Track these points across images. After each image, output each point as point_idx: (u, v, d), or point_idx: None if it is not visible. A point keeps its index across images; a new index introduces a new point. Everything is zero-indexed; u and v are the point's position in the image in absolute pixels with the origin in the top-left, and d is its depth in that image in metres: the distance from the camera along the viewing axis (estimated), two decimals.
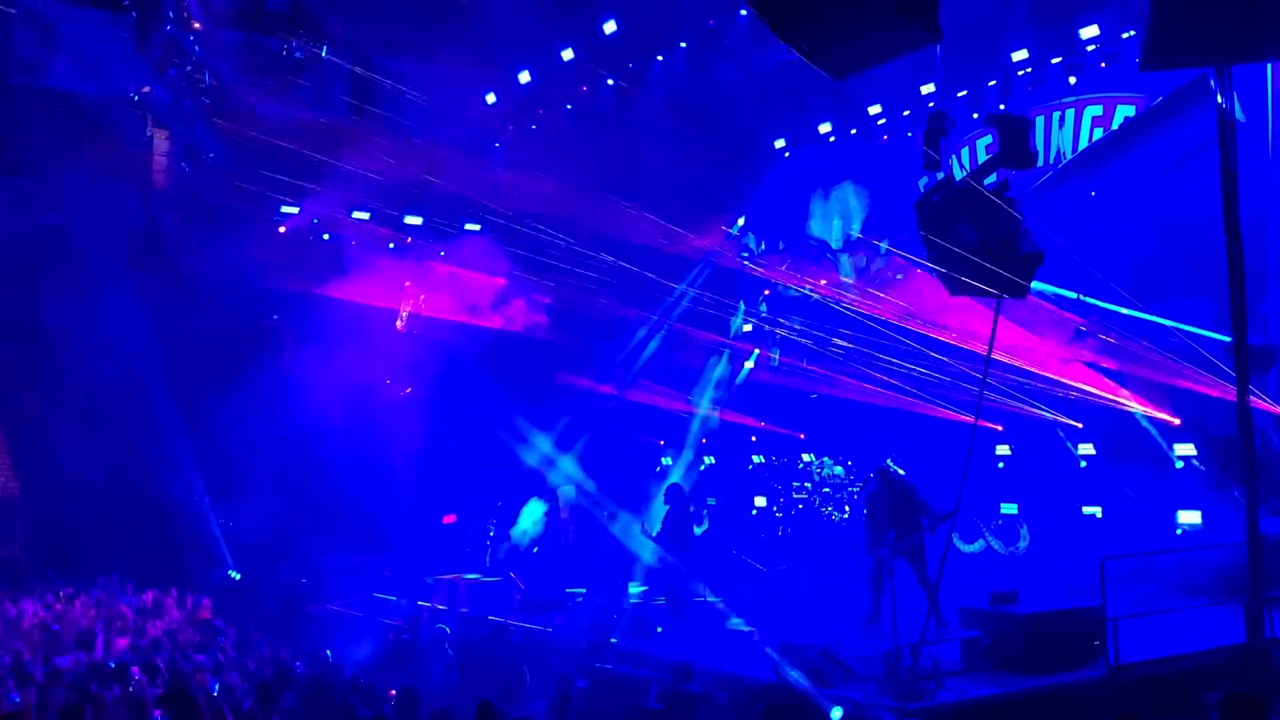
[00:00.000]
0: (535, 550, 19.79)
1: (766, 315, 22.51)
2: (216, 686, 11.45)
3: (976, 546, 18.30)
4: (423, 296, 20.62)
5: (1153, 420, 16.43)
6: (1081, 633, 10.85)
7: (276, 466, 19.57)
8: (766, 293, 22.99)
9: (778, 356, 22.29)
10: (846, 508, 20.74)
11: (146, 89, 20.19)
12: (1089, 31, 17.46)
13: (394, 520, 18.27)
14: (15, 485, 20.80)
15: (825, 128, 21.99)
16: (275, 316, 21.54)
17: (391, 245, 20.04)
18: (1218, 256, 10.24)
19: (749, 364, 22.68)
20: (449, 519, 21.16)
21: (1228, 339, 12.43)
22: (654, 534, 15.62)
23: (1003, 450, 18.64)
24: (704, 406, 22.80)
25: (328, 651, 14.23)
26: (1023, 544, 17.86)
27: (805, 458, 22.14)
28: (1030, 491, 17.94)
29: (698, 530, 23.47)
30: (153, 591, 18.00)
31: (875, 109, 21.03)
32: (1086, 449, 17.64)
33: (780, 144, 23.06)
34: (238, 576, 20.41)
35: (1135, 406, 16.42)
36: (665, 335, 22.91)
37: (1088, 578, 11.16)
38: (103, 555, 19.62)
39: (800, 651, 11.04)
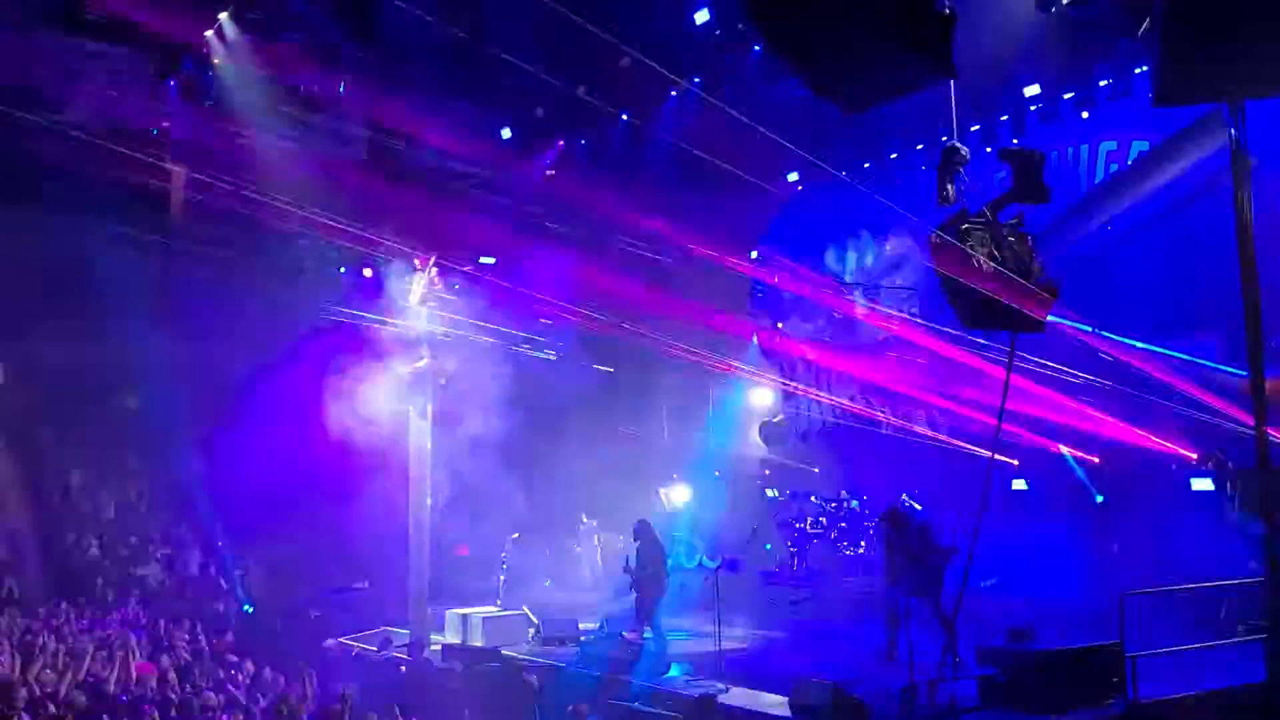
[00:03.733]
0: (548, 584, 19.74)
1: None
2: None
3: (992, 582, 18.17)
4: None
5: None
6: (1100, 669, 10.75)
7: (289, 497, 19.58)
8: (780, 325, 23.02)
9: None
10: (862, 543, 20.63)
11: (166, 124, 20.37)
12: (1101, 68, 17.55)
13: (403, 551, 18.22)
14: (28, 516, 20.83)
15: (837, 165, 22.06)
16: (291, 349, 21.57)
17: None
18: (1232, 290, 10.21)
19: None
20: (462, 550, 21.12)
21: (1241, 373, 12.37)
22: (632, 570, 15.60)
23: (1019, 485, 18.55)
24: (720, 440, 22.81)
25: (340, 686, 14.17)
26: (1039, 579, 17.73)
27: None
28: (1048, 526, 17.83)
29: (710, 564, 23.39)
30: (164, 623, 17.98)
31: (889, 144, 21.11)
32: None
33: (794, 178, 23.13)
34: (251, 609, 20.37)
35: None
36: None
37: (1106, 613, 11.08)
38: (114, 587, 19.62)
39: (814, 688, 10.97)
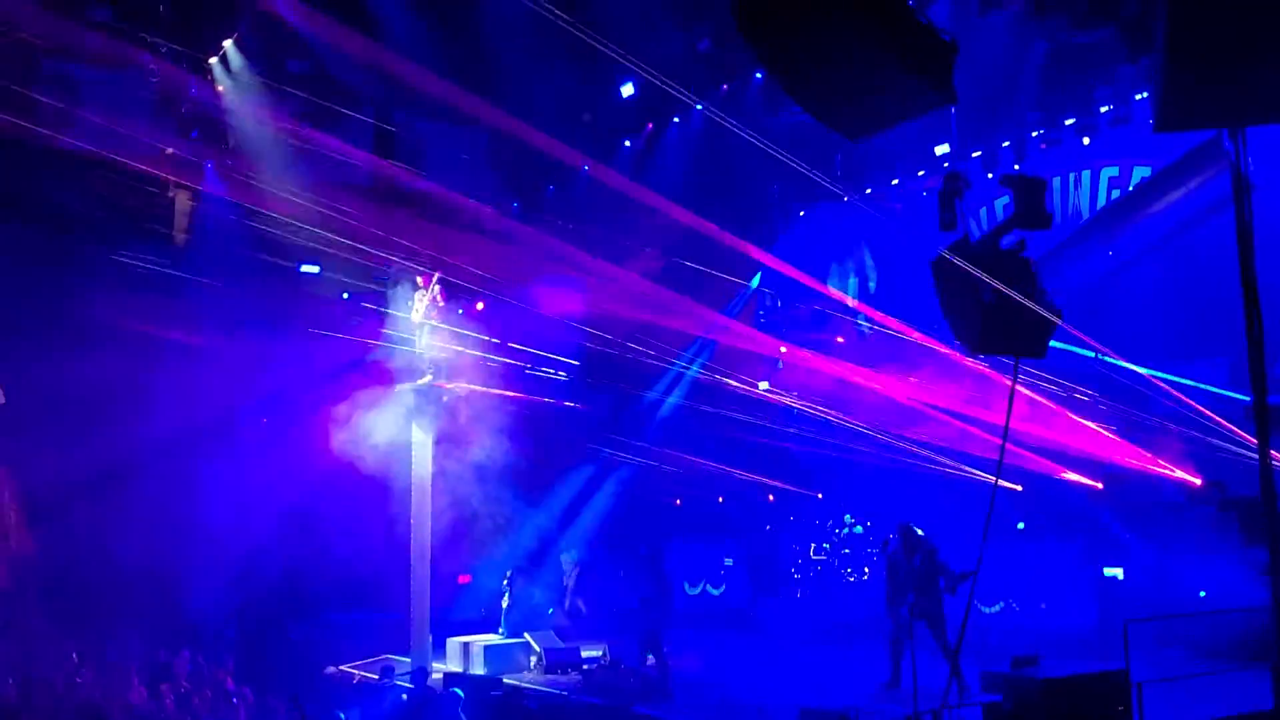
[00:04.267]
0: (550, 612, 19.64)
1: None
2: None
3: (997, 608, 18.11)
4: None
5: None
6: (1105, 697, 10.68)
7: (288, 523, 19.50)
8: (783, 349, 22.98)
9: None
10: (866, 568, 20.57)
11: (170, 149, 20.43)
12: (1102, 94, 17.61)
13: (404, 579, 18.15)
14: (30, 546, 20.77)
15: (841, 188, 22.13)
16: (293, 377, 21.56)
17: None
18: (1235, 316, 10.20)
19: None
20: (464, 579, 21.04)
21: (1245, 398, 12.35)
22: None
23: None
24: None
25: (340, 715, 14.09)
26: (1044, 605, 17.67)
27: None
28: (1051, 552, 17.78)
29: (714, 591, 23.37)
30: (163, 649, 17.92)
31: (890, 170, 21.18)
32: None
33: (796, 203, 23.19)
34: (254, 639, 20.29)
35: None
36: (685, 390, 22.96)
37: (1110, 639, 11.02)
38: (116, 617, 19.54)
39: (819, 717, 10.91)
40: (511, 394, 19.31)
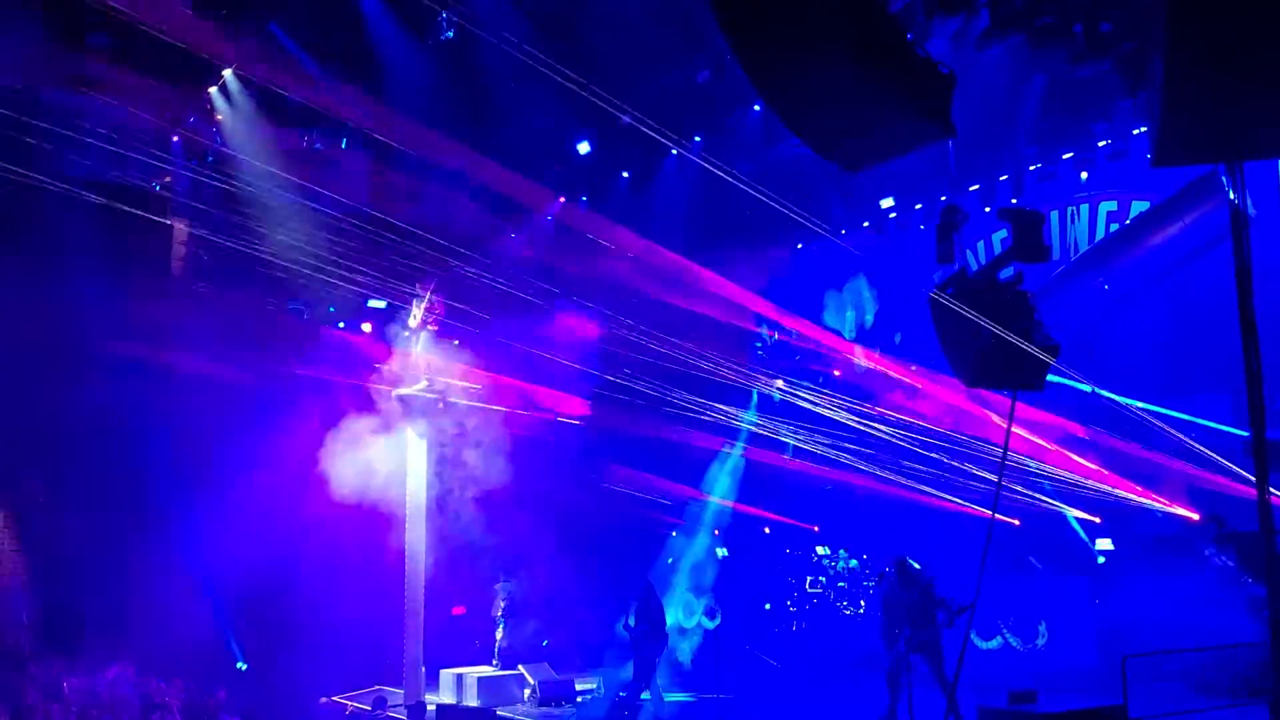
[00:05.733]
0: (546, 644, 19.53)
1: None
2: None
3: (994, 643, 18.02)
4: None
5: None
6: None
7: (282, 552, 19.39)
8: (779, 384, 22.93)
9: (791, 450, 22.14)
10: (862, 602, 20.47)
11: (168, 179, 20.46)
12: (1100, 128, 17.69)
13: (398, 608, 18.04)
14: (21, 570, 20.66)
15: (839, 221, 22.21)
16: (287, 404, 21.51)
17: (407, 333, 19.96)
18: (1236, 350, 10.19)
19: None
20: (458, 610, 20.90)
21: (1245, 433, 12.33)
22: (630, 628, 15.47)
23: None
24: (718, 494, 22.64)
25: None
26: (1041, 640, 17.59)
27: (821, 550, 21.94)
28: (1048, 587, 17.72)
29: (709, 624, 23.21)
30: (155, 679, 17.78)
31: (888, 203, 21.23)
32: (1104, 544, 17.50)
33: (793, 236, 23.21)
34: (244, 667, 20.15)
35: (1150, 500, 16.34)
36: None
37: (1108, 675, 10.96)
38: (106, 643, 19.41)
39: None
40: (511, 410, 19.30)
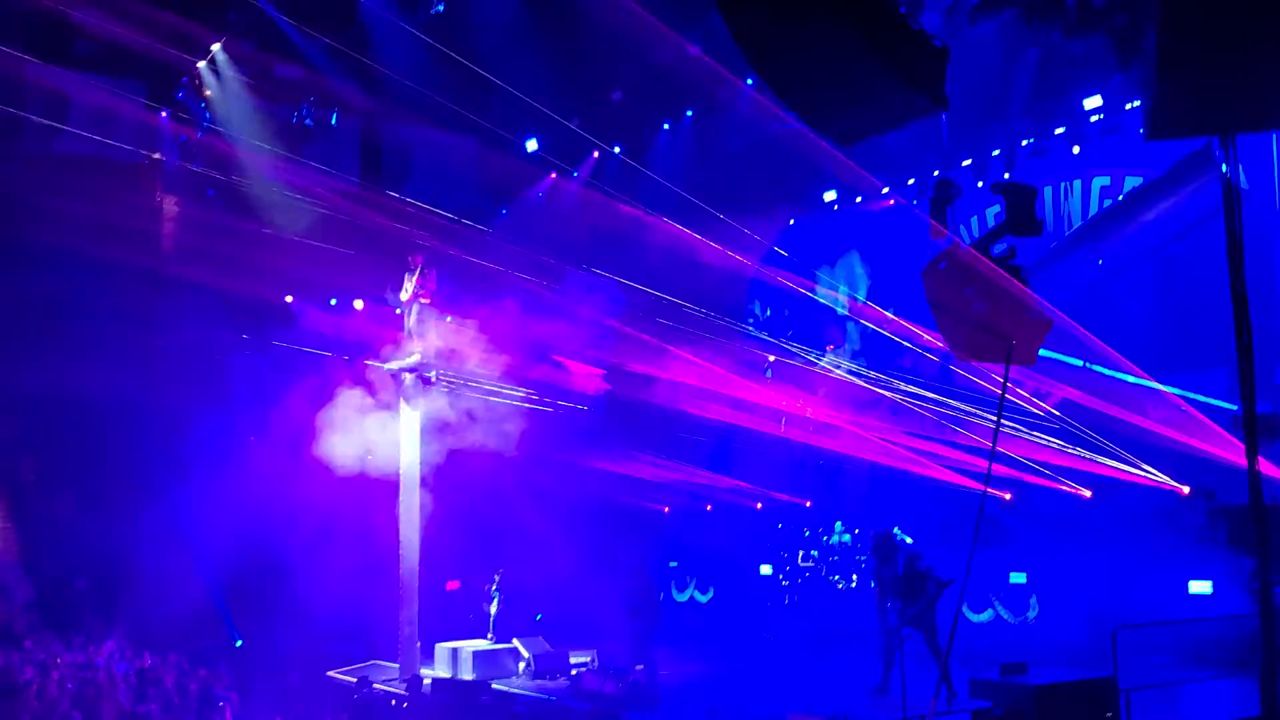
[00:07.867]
0: (539, 618, 19.60)
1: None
2: None
3: (986, 616, 18.12)
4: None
5: None
6: (1094, 704, 10.70)
7: (274, 527, 19.41)
8: (771, 358, 22.91)
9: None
10: (854, 576, 20.55)
11: (157, 155, 20.38)
12: (1092, 102, 17.64)
13: (392, 582, 18.07)
14: (14, 548, 20.68)
15: (831, 195, 22.18)
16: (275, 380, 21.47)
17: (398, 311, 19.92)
18: (1229, 325, 10.23)
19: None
20: (453, 585, 20.95)
21: (1235, 407, 12.38)
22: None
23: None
24: None
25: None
26: (1032, 613, 17.69)
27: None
28: (1039, 560, 17.78)
29: (703, 598, 23.32)
30: (150, 656, 17.83)
31: (881, 177, 21.17)
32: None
33: (786, 211, 23.17)
34: (240, 644, 20.22)
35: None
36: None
37: (1098, 647, 11.04)
38: (101, 619, 19.46)
39: None
40: (507, 388, 19.32)
